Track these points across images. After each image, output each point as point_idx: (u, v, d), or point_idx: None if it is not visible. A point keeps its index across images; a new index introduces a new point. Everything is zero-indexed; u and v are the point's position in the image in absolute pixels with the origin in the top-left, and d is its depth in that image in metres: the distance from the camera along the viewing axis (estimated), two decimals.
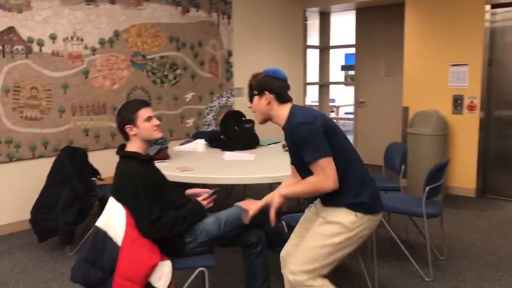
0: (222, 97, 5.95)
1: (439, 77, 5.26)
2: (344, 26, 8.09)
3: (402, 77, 5.57)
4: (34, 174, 4.27)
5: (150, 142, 2.48)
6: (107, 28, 4.72)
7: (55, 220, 3.55)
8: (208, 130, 5.76)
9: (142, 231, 2.23)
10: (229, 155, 3.82)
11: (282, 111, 2.19)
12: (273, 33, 6.54)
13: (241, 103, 6.13)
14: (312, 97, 9.02)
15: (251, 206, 2.27)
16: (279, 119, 2.21)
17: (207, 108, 5.79)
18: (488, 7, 4.89)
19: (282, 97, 2.20)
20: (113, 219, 2.24)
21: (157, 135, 2.43)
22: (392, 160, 3.96)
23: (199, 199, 2.50)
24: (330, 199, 2.16)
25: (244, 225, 2.38)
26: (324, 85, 7.68)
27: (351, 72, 11.98)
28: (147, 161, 2.45)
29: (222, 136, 4.25)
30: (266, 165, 3.45)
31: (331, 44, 7.63)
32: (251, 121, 4.27)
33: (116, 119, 2.45)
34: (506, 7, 4.86)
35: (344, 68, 7.19)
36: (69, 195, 3.55)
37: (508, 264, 3.36)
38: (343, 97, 11.75)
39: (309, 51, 7.24)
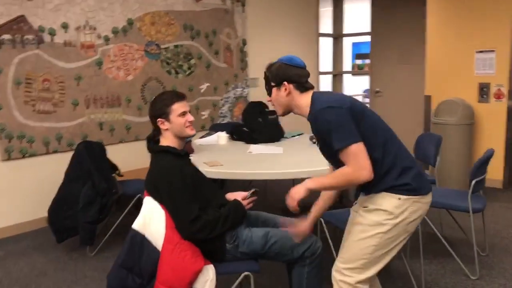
0: (237, 87, 5.75)
1: (464, 64, 5.06)
2: (358, 13, 7.87)
3: (421, 65, 5.37)
4: (49, 170, 4.08)
5: (183, 139, 2.27)
6: (120, 16, 4.51)
7: (74, 218, 3.37)
8: (224, 122, 5.57)
9: (181, 231, 2.05)
10: (255, 148, 3.63)
11: (304, 100, 1.99)
12: (286, 21, 6.32)
13: (256, 94, 5.93)
14: (324, 87, 8.81)
15: (300, 229, 2.18)
16: (302, 110, 2.01)
17: (222, 99, 5.59)
18: None
19: (302, 85, 2.00)
20: (151, 220, 2.06)
21: (191, 132, 2.24)
22: (425, 152, 3.76)
23: (238, 197, 2.32)
24: (369, 186, 1.95)
25: (293, 250, 2.22)
26: (337, 75, 7.47)
27: (359, 61, 11.79)
28: (183, 155, 2.26)
29: (244, 128, 4.06)
30: (297, 158, 3.26)
31: (345, 32, 7.41)
32: (274, 112, 4.08)
33: (148, 110, 2.26)
34: None
35: (359, 57, 6.99)
36: (90, 192, 3.36)
37: None
38: (350, 87, 11.56)
39: (322, 39, 7.02)
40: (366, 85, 12.58)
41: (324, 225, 2.82)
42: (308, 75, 2.03)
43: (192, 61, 5.20)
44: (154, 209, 2.08)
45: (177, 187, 2.06)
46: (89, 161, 3.45)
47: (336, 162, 1.96)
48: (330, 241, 2.82)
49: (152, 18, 4.76)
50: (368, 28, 7.06)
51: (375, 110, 7.22)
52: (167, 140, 2.23)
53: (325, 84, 7.69)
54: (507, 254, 3.31)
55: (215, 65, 5.44)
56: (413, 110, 6.28)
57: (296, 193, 1.92)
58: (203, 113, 5.36)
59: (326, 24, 7.36)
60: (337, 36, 7.33)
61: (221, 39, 5.49)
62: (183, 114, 2.20)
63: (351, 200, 2.26)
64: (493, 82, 4.91)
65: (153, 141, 2.28)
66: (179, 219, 2.05)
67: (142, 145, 4.83)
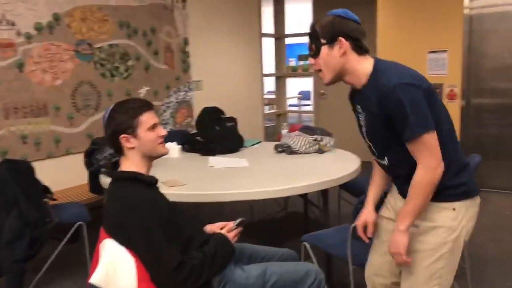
0: (179, 91, 5.23)
1: (416, 65, 4.91)
2: (299, 14, 7.66)
3: None
4: None
5: (152, 159, 1.79)
6: (44, 10, 3.84)
7: None
8: (166, 130, 5.03)
9: (162, 284, 1.58)
10: (216, 162, 3.18)
11: (363, 66, 1.62)
12: (229, 20, 5.91)
13: (200, 98, 5.46)
14: (268, 89, 8.50)
15: (370, 222, 1.88)
16: (357, 77, 1.63)
17: (163, 105, 5.05)
18: None
19: (360, 45, 1.62)
20: (116, 272, 1.56)
21: (163, 150, 1.79)
22: None
23: (222, 231, 1.88)
24: None
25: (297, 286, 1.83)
26: (281, 77, 7.18)
27: (292, 64, 11.66)
28: (153, 184, 1.78)
29: (199, 138, 3.59)
30: (269, 172, 2.86)
31: (286, 32, 7.14)
32: (233, 119, 3.65)
33: (105, 124, 1.75)
34: None
35: (301, 58, 6.77)
36: (16, 223, 2.71)
37: None
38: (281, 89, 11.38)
39: (263, 40, 6.69)
40: (301, 87, 12.57)
41: (309, 249, 2.45)
42: (365, 34, 1.65)
43: (130, 63, 4.62)
44: (119, 257, 1.57)
45: (152, 228, 1.58)
46: (14, 185, 2.80)
47: (391, 153, 1.65)
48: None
49: (82, 13, 4.13)
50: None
51: (320, 113, 7.03)
52: (132, 162, 1.75)
53: (268, 86, 7.38)
54: (488, 264, 3.15)
55: (154, 67, 4.90)
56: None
57: (402, 246, 1.61)
58: None
59: (267, 24, 7.04)
60: (279, 37, 7.04)
61: (160, 38, 4.95)
62: (154, 127, 1.73)
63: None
64: (446, 82, 4.85)
65: (111, 165, 1.78)
66: (159, 269, 1.57)
67: (75, 160, 4.22)
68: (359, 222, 1.89)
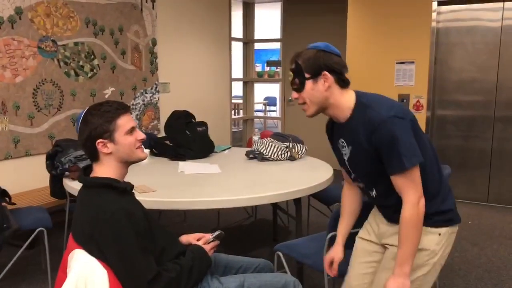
0: (146, 93, 5.10)
1: (384, 75, 5.03)
2: (268, 19, 7.66)
3: None
4: None
5: (128, 165, 1.69)
6: (6, 3, 3.63)
7: None
8: None
9: None
10: (186, 167, 3.09)
11: (346, 98, 1.62)
12: (198, 22, 5.82)
13: (167, 100, 5.34)
14: (236, 93, 8.43)
15: (337, 257, 1.91)
16: (341, 110, 1.63)
17: (129, 106, 4.88)
18: (435, 4, 4.76)
19: (343, 79, 1.61)
20: (87, 284, 1.45)
21: (142, 155, 1.68)
22: None
23: (199, 242, 1.80)
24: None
25: None
26: (249, 82, 7.14)
27: (258, 69, 11.66)
28: (129, 191, 1.68)
29: (167, 142, 3.49)
30: (243, 179, 2.80)
31: (256, 37, 7.11)
32: (203, 124, 3.57)
33: (80, 128, 1.63)
34: (451, 4, 4.78)
35: (269, 63, 6.74)
36: None
37: (497, 276, 3.15)
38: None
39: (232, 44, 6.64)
40: (267, 93, 12.57)
41: (283, 259, 2.40)
42: (347, 67, 1.64)
43: (95, 62, 4.45)
44: (91, 268, 1.47)
45: (127, 238, 1.49)
46: None
47: (372, 182, 1.65)
48: None
49: (47, 8, 3.94)
50: (278, 35, 6.87)
51: (287, 120, 7.04)
52: (107, 168, 1.64)
53: (236, 91, 7.32)
54: (454, 275, 3.20)
55: (121, 67, 4.74)
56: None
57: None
58: None
59: (236, 29, 6.99)
60: (248, 42, 7.00)
61: (128, 37, 4.81)
62: (131, 131, 1.64)
63: None
64: (412, 93, 4.95)
65: (82, 169, 1.67)
66: (133, 281, 1.48)
67: (35, 162, 4.02)
68: (327, 258, 1.92)
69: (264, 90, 12.45)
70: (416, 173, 1.54)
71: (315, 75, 1.60)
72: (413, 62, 4.90)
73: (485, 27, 4.69)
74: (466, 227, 4.15)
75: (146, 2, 4.98)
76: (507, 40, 4.61)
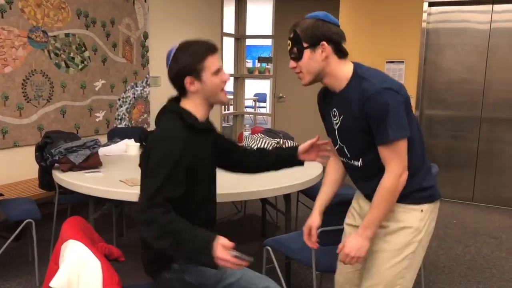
0: (137, 86, 5.08)
1: None
2: (260, 16, 7.66)
3: None
4: None
5: (211, 105, 1.78)
6: None
7: None
8: (121, 125, 4.87)
9: (135, 213, 1.59)
10: None
11: (343, 69, 1.63)
12: (190, 17, 5.81)
13: (157, 94, 5.32)
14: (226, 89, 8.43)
15: (313, 226, 1.89)
16: (337, 80, 1.65)
17: (119, 99, 4.87)
18: (426, 4, 4.81)
19: (341, 49, 1.63)
20: (80, 278, 1.46)
21: (225, 98, 1.76)
22: None
23: (222, 241, 1.51)
24: None
25: None
26: (240, 77, 7.15)
27: (249, 65, 11.66)
28: (202, 130, 1.75)
29: None
30: (233, 174, 2.81)
31: (248, 33, 7.11)
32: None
33: (169, 65, 1.72)
34: (441, 5, 4.83)
35: (261, 60, 6.75)
36: None
37: (480, 273, 3.22)
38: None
39: (224, 39, 6.64)
40: (257, 89, 12.59)
41: (272, 254, 2.42)
42: (345, 37, 1.66)
43: (86, 54, 4.42)
44: (84, 260, 1.47)
45: (165, 162, 1.59)
46: None
47: (359, 153, 1.67)
48: (279, 272, 2.44)
49: None
50: (270, 31, 6.88)
51: (278, 116, 7.07)
52: (191, 104, 1.74)
53: (227, 86, 7.32)
54: (439, 271, 3.26)
55: (112, 60, 4.72)
56: (319, 117, 6.21)
57: (364, 251, 1.65)
58: (97, 114, 4.61)
59: (228, 25, 6.98)
60: (240, 37, 7.01)
61: (120, 30, 4.78)
62: (218, 72, 1.70)
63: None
64: None
65: (171, 99, 1.81)
66: (144, 193, 1.60)
67: (24, 153, 3.99)
68: (305, 227, 1.89)
69: (254, 86, 12.47)
70: (402, 146, 1.57)
71: (313, 45, 1.60)
72: (403, 61, 4.95)
73: (474, 29, 4.76)
74: (451, 226, 4.22)
75: None
76: (495, 42, 4.68)
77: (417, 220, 1.67)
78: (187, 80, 1.68)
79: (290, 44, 1.67)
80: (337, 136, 1.74)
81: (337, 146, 1.77)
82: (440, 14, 4.88)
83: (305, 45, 1.61)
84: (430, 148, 5.04)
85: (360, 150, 1.67)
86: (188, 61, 1.66)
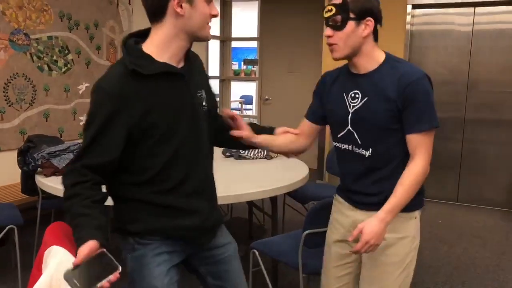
0: None
1: None
2: (245, 18, 7.66)
3: (315, 75, 5.31)
4: None
5: (191, 41, 1.43)
6: None
7: None
8: None
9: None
10: None
11: (377, 52, 1.61)
12: None
13: None
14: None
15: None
16: (370, 61, 1.59)
17: None
18: (409, 7, 4.86)
19: (377, 32, 1.61)
20: (62, 282, 1.43)
21: (209, 33, 1.45)
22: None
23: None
24: (386, 192, 1.57)
25: None
26: (225, 80, 7.14)
27: (235, 67, 11.65)
28: (160, 75, 1.37)
29: None
30: (220, 177, 2.79)
31: (233, 36, 7.11)
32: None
33: None
34: (425, 8, 4.89)
35: (246, 62, 6.76)
36: None
37: (465, 273, 3.25)
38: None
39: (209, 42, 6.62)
40: (243, 91, 12.57)
41: (258, 257, 2.41)
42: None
43: (69, 56, 4.37)
44: (67, 266, 1.45)
45: (93, 121, 1.34)
46: None
47: (373, 140, 1.59)
48: (266, 275, 2.43)
49: (19, 0, 3.85)
50: (255, 34, 6.88)
51: (264, 118, 7.05)
52: (166, 34, 1.38)
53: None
54: (424, 271, 3.28)
55: (96, 63, 4.67)
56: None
57: (382, 238, 1.53)
58: (81, 118, 4.55)
59: (213, 27, 6.97)
60: (225, 40, 7.00)
61: (104, 32, 4.74)
62: (209, 1, 1.41)
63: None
64: None
65: (135, 36, 1.45)
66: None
67: (6, 158, 3.91)
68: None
69: (240, 89, 12.44)
70: (433, 136, 1.57)
71: (360, 18, 1.54)
72: None
73: (457, 31, 4.82)
74: (436, 226, 4.26)
75: None
76: (477, 44, 4.75)
77: (413, 228, 1.65)
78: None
79: (334, 10, 1.54)
80: (349, 121, 1.63)
81: (343, 132, 1.66)
82: (424, 16, 4.93)
83: (351, 15, 1.53)
84: None
85: (375, 137, 1.59)
86: None
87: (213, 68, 7.03)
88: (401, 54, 4.92)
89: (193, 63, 1.52)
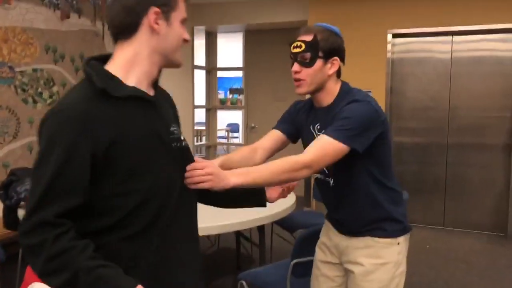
0: None
1: None
2: (230, 48, 7.78)
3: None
4: None
5: (161, 65, 1.27)
6: None
7: None
8: None
9: (19, 228, 1.10)
10: None
11: (336, 87, 1.65)
12: None
13: None
14: (198, 120, 8.44)
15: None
16: (328, 96, 1.64)
17: None
18: (389, 36, 4.99)
19: (340, 70, 1.66)
20: None
21: (180, 58, 1.29)
22: None
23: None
24: (363, 219, 1.63)
25: None
26: (211, 109, 7.18)
27: (221, 96, 11.74)
28: (131, 98, 1.16)
29: None
30: (208, 206, 2.77)
31: (218, 66, 7.19)
32: None
33: None
34: (404, 37, 5.02)
35: (232, 91, 6.83)
36: None
37: None
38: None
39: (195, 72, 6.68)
40: (230, 119, 12.64)
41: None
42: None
43: (55, 89, 4.37)
44: None
45: (52, 153, 1.07)
46: None
47: (336, 169, 1.65)
48: None
49: (4, 34, 3.87)
50: (240, 63, 6.98)
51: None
52: (136, 51, 1.20)
53: (199, 117, 7.33)
54: None
55: None
56: (291, 146, 6.26)
57: (213, 179, 1.26)
58: None
59: (199, 57, 7.05)
60: (211, 70, 7.07)
61: None
62: (183, 22, 1.27)
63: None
64: None
65: (97, 60, 1.22)
66: (27, 212, 1.09)
67: None
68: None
69: (227, 117, 12.52)
70: (336, 149, 1.47)
71: (327, 57, 1.59)
72: (369, 90, 5.06)
73: (436, 58, 4.95)
74: (423, 251, 4.26)
75: (108, 29, 4.97)
76: (456, 70, 4.88)
77: (396, 254, 1.66)
78: (152, 12, 1.18)
79: (303, 47, 1.59)
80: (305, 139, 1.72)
81: None
82: (404, 44, 5.06)
83: (320, 54, 1.59)
84: (400, 174, 5.12)
85: (337, 167, 1.61)
86: None
87: (200, 97, 7.08)
88: (383, 82, 5.03)
89: (162, 96, 1.36)
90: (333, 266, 1.79)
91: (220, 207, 1.62)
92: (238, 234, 3.79)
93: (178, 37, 1.24)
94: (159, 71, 1.28)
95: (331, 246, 1.79)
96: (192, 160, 1.35)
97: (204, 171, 1.25)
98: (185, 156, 1.32)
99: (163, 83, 1.38)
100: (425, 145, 5.07)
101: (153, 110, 1.23)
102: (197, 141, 8.36)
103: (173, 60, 1.26)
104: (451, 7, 4.72)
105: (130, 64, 1.20)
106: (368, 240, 1.66)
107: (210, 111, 7.18)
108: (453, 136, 4.95)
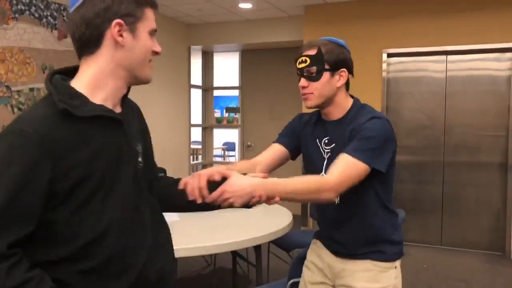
0: None
1: None
2: (227, 67, 7.85)
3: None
4: None
5: (128, 82, 1.19)
6: None
7: None
8: None
9: None
10: None
11: (347, 101, 1.62)
12: (158, 69, 5.88)
13: None
14: (195, 139, 8.45)
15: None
16: (339, 109, 1.61)
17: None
18: (385, 56, 5.04)
19: (349, 82, 1.64)
20: None
21: (150, 73, 1.21)
22: None
23: None
24: (365, 240, 1.61)
25: None
26: (208, 127, 7.19)
27: (217, 115, 11.78)
28: (94, 118, 1.09)
29: None
30: (202, 226, 2.77)
31: (215, 85, 7.24)
32: (162, 170, 3.53)
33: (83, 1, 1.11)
34: (399, 56, 5.08)
35: (228, 110, 6.88)
36: None
37: None
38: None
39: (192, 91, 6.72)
40: (226, 138, 12.65)
41: None
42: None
43: None
44: None
45: (3, 178, 1.00)
46: None
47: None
48: None
49: (1, 54, 3.89)
50: (236, 82, 7.03)
51: None
52: (101, 68, 1.13)
53: (195, 136, 7.34)
54: None
55: None
56: (289, 164, 6.26)
57: (237, 199, 1.28)
58: None
59: (195, 76, 7.09)
60: (207, 89, 7.11)
61: None
62: (152, 34, 1.18)
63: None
64: None
65: (63, 72, 1.17)
66: None
67: None
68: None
69: (223, 136, 12.53)
70: (359, 170, 1.45)
71: (334, 69, 1.57)
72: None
73: (431, 77, 5.00)
74: (421, 270, 4.23)
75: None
76: (451, 89, 4.92)
77: (393, 278, 1.65)
78: (115, 25, 1.10)
79: (308, 61, 1.57)
80: (324, 166, 1.61)
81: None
82: (399, 64, 5.12)
83: (326, 66, 1.57)
84: (396, 193, 5.12)
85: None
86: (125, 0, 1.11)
87: (196, 116, 7.10)
88: (379, 101, 5.06)
89: (131, 111, 1.28)
90: (323, 286, 1.74)
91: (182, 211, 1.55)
92: (235, 253, 3.75)
93: (145, 50, 1.16)
94: (128, 87, 1.21)
95: (323, 267, 1.74)
96: (153, 179, 1.31)
97: (223, 198, 1.27)
98: (145, 178, 1.23)
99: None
100: (422, 163, 5.08)
101: (119, 130, 1.15)
102: (193, 160, 8.36)
103: (139, 76, 1.18)
104: (446, 27, 4.79)
105: (95, 81, 1.13)
106: (367, 264, 1.63)
107: (206, 130, 7.19)
108: (449, 154, 4.97)
